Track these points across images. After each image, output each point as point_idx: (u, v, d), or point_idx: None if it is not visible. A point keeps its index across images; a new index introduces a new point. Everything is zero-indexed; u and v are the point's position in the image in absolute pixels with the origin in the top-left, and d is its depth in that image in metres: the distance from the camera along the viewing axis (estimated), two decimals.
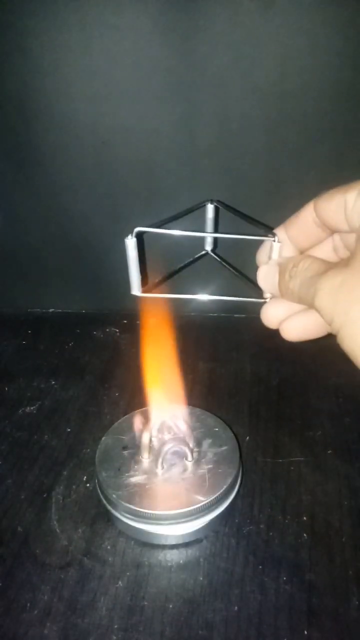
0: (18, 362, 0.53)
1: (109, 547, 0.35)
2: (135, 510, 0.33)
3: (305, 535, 0.35)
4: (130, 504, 0.34)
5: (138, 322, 0.58)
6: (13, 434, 0.44)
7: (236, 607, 0.32)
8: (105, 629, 0.31)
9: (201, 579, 0.33)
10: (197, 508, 0.33)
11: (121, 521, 0.35)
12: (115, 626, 0.31)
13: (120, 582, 0.33)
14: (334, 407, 0.46)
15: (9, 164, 0.51)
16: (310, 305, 0.24)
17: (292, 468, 0.40)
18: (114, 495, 0.34)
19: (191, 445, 0.36)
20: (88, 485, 0.39)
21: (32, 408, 0.47)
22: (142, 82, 0.45)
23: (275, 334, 0.59)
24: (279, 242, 0.28)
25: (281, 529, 0.36)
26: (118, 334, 0.57)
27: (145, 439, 0.36)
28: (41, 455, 0.42)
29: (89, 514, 0.37)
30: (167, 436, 0.37)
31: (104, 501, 0.36)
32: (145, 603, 0.32)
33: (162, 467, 0.36)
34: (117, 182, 0.51)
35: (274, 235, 0.29)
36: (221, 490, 0.34)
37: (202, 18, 0.42)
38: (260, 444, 0.43)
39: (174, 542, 0.35)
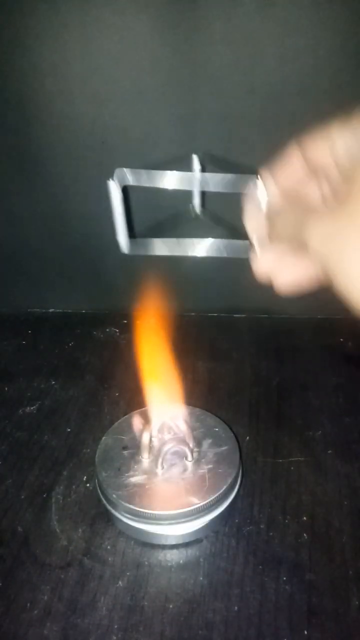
0: (18, 362, 0.53)
1: (109, 547, 0.35)
2: (135, 510, 0.33)
3: (305, 535, 0.35)
4: (130, 504, 0.34)
5: (138, 322, 0.58)
6: (13, 434, 0.44)
7: (236, 607, 0.32)
8: (105, 629, 0.31)
9: (201, 579, 0.33)
10: (197, 508, 0.33)
11: (121, 521, 0.35)
12: (115, 626, 0.31)
13: (120, 582, 0.33)
14: (334, 407, 0.46)
15: (9, 164, 0.51)
16: (302, 251, 0.24)
17: (292, 468, 0.40)
18: (114, 495, 0.34)
19: (191, 445, 0.36)
20: (88, 485, 0.39)
21: (32, 408, 0.47)
22: (142, 82, 0.45)
23: (275, 333, 0.59)
24: (263, 184, 0.28)
25: (281, 529, 0.36)
26: (118, 334, 0.57)
27: (145, 439, 0.36)
28: (41, 455, 0.42)
29: (89, 514, 0.37)
30: (167, 436, 0.37)
31: (104, 501, 0.36)
32: (145, 603, 0.32)
33: (162, 467, 0.36)
34: None
35: (259, 175, 0.28)
36: (221, 490, 0.34)
37: (202, 18, 0.42)
38: (260, 444, 0.43)
39: (174, 542, 0.35)
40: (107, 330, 0.57)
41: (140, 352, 0.41)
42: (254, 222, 0.29)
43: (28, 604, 0.32)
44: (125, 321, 0.58)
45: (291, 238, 0.25)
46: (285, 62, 0.44)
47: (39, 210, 0.53)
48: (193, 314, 0.59)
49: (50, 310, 0.61)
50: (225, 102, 0.46)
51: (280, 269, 0.28)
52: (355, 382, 0.49)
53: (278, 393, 0.48)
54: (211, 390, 0.48)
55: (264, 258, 0.29)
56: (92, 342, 0.55)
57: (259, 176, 0.28)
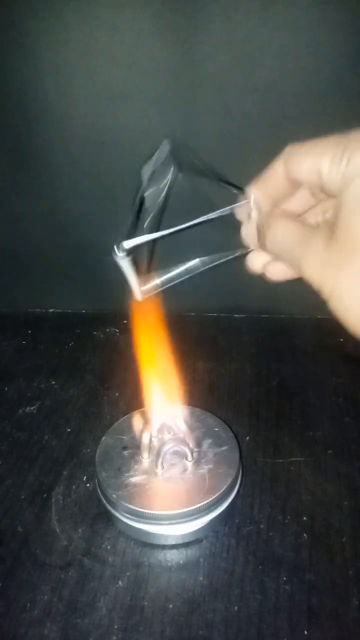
0: (18, 362, 0.53)
1: (109, 547, 0.35)
2: (135, 510, 0.33)
3: (305, 535, 0.35)
4: (130, 504, 0.34)
5: (138, 322, 0.58)
6: (13, 434, 0.44)
7: (236, 607, 0.32)
8: (105, 629, 0.31)
9: (201, 579, 0.33)
10: (197, 508, 0.33)
11: (121, 521, 0.35)
12: (115, 626, 0.31)
13: (120, 582, 0.33)
14: (334, 407, 0.46)
15: (9, 164, 0.51)
16: (296, 270, 0.25)
17: (292, 468, 0.40)
18: (114, 495, 0.34)
19: (191, 445, 0.36)
20: (88, 485, 0.39)
21: (32, 408, 0.47)
22: (143, 82, 0.45)
23: (275, 333, 0.59)
24: (253, 207, 0.29)
25: (281, 529, 0.36)
26: (118, 334, 0.57)
27: (145, 439, 0.36)
28: (41, 455, 0.42)
29: (89, 514, 0.37)
30: (167, 436, 0.37)
31: (104, 501, 0.36)
32: (145, 603, 0.32)
33: (162, 467, 0.36)
34: (117, 182, 0.51)
35: (246, 195, 0.29)
36: (221, 491, 0.34)
37: (202, 18, 0.42)
38: (260, 444, 0.43)
39: (173, 542, 0.35)
40: (107, 330, 0.57)
41: (140, 352, 0.41)
42: (247, 233, 0.30)
43: (28, 604, 0.32)
44: (125, 321, 0.58)
45: (283, 256, 0.26)
46: (285, 62, 0.44)
47: (39, 210, 0.53)
48: (193, 314, 0.59)
49: (50, 310, 0.61)
50: (225, 102, 0.46)
51: (271, 263, 0.30)
52: (355, 382, 0.49)
53: (278, 393, 0.48)
54: (211, 390, 0.48)
55: (258, 257, 0.30)
56: (92, 342, 0.55)
57: (245, 196, 0.29)
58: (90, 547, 0.35)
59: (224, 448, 0.37)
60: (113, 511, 0.35)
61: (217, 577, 0.33)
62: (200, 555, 0.35)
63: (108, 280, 0.58)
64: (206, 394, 0.48)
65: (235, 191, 0.30)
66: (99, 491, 0.37)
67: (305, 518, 0.37)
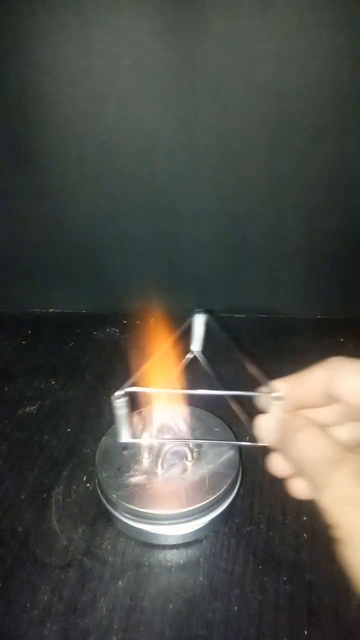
0: (18, 362, 0.53)
1: (109, 547, 0.35)
2: (135, 510, 0.33)
3: (305, 535, 0.35)
4: (130, 504, 0.34)
5: (138, 322, 0.58)
6: (13, 434, 0.44)
7: (236, 607, 0.32)
8: (105, 629, 0.31)
9: (201, 579, 0.33)
10: (197, 508, 0.33)
11: (121, 521, 0.35)
12: (115, 626, 0.31)
13: (120, 582, 0.33)
14: None
15: (9, 164, 0.51)
16: (312, 492, 0.23)
17: None
18: (114, 495, 0.34)
19: (191, 445, 0.36)
20: (88, 485, 0.39)
21: (32, 408, 0.47)
22: (142, 82, 0.45)
23: (275, 333, 0.59)
24: (278, 398, 0.26)
25: (281, 529, 0.36)
26: (118, 334, 0.57)
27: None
28: (41, 455, 0.42)
29: (89, 514, 0.37)
30: (167, 436, 0.37)
31: (104, 501, 0.36)
32: (145, 603, 0.32)
33: (162, 467, 0.36)
34: (117, 182, 0.51)
35: (274, 390, 0.27)
36: (221, 491, 0.34)
37: (202, 18, 0.42)
38: None
39: (174, 542, 0.35)
40: (107, 330, 0.57)
41: (140, 352, 0.41)
42: (264, 427, 0.27)
43: (28, 604, 0.32)
44: (125, 321, 0.58)
45: (303, 469, 0.24)
46: (285, 62, 0.44)
47: (39, 210, 0.53)
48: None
49: (50, 310, 0.61)
50: (225, 102, 0.46)
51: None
52: None
53: None
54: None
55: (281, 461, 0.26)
56: (92, 342, 0.55)
57: (273, 390, 0.27)
58: (90, 547, 0.35)
59: (224, 448, 0.37)
60: (113, 511, 0.35)
61: (217, 577, 0.33)
62: (200, 555, 0.35)
63: (108, 280, 0.59)
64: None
65: (260, 379, 0.28)
66: (99, 491, 0.37)
67: (305, 518, 0.37)
